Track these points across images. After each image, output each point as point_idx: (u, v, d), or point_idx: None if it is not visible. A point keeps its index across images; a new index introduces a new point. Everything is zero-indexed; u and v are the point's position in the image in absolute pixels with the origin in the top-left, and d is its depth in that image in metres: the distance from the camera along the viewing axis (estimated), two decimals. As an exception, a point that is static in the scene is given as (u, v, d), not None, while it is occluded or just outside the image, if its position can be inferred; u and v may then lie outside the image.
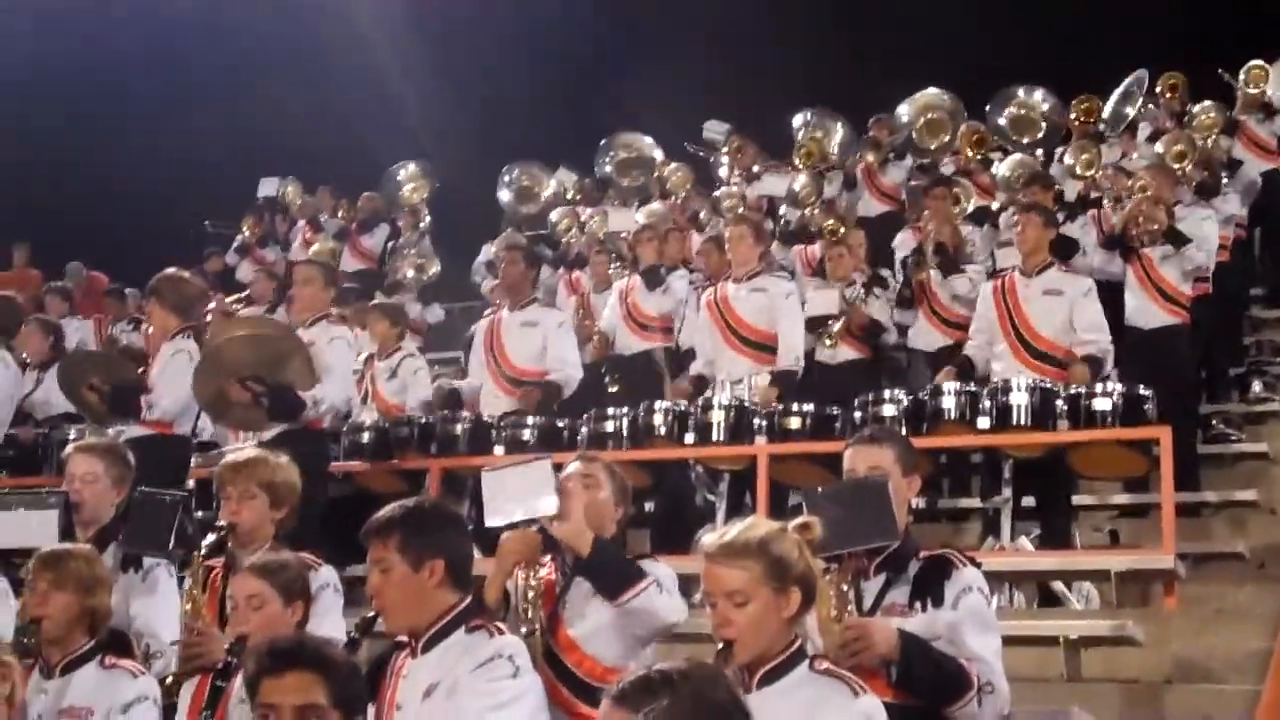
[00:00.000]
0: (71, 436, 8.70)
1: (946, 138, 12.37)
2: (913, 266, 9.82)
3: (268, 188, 15.53)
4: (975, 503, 8.56)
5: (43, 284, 14.52)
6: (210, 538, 4.89)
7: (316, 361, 7.63)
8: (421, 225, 14.08)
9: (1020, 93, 12.38)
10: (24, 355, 10.09)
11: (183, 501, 4.90)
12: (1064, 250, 9.79)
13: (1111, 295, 9.17)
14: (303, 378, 7.54)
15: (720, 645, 3.48)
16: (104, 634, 4.62)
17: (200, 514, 7.17)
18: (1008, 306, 8.17)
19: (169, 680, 4.56)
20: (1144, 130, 12.44)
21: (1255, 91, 11.73)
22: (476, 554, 7.95)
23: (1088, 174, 10.93)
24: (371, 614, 4.01)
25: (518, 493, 4.55)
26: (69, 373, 8.30)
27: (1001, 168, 11.58)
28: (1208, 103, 11.68)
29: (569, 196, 13.97)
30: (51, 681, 4.48)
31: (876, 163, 12.38)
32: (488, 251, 12.98)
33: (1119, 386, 7.57)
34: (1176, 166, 10.25)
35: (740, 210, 11.39)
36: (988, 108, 12.41)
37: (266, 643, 3.39)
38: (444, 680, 3.77)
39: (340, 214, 14.66)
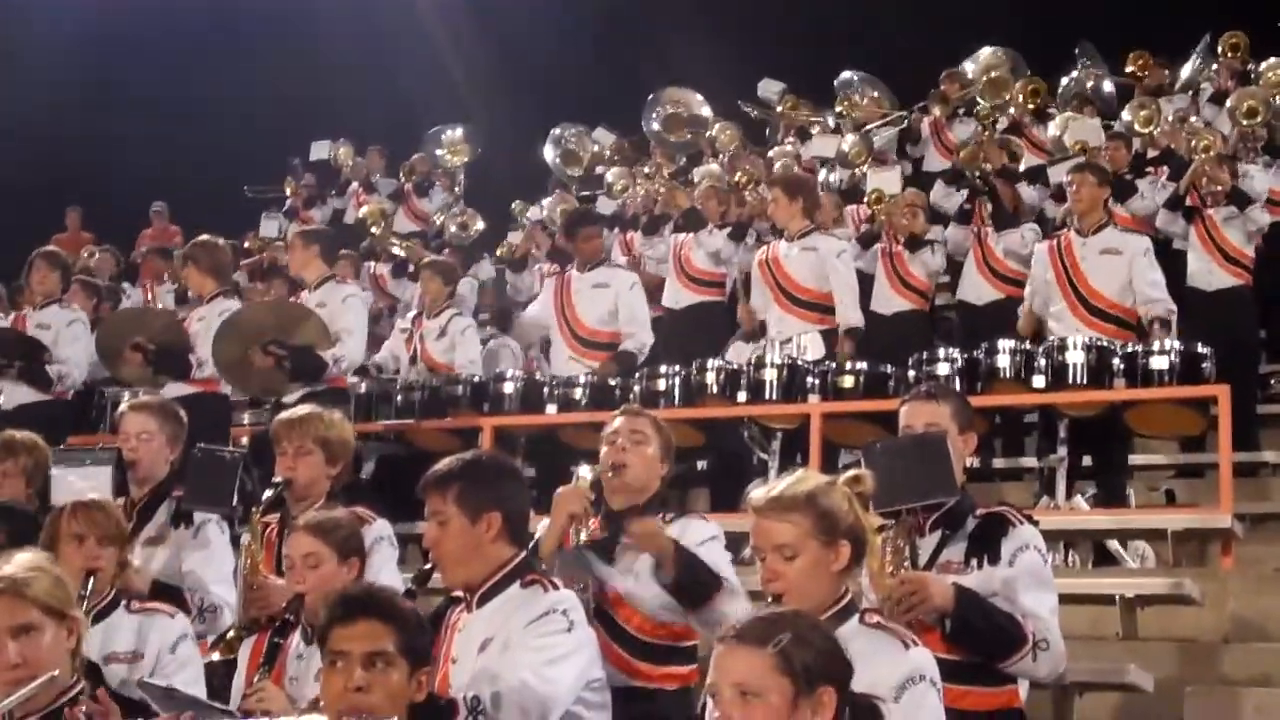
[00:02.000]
0: (126, 397, 8.79)
1: (1009, 95, 12.29)
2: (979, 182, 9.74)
3: (319, 151, 15.59)
4: (1030, 462, 8.52)
5: (94, 247, 14.62)
6: (267, 494, 4.93)
7: (332, 322, 7.75)
8: (456, 189, 14.14)
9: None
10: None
11: (243, 458, 4.93)
12: (1120, 192, 9.68)
13: (1172, 255, 9.08)
14: (319, 339, 7.65)
15: (770, 599, 3.47)
16: (126, 581, 4.66)
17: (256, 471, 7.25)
18: (1065, 266, 8.08)
19: (230, 635, 4.60)
20: (1205, 91, 12.26)
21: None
22: (531, 511, 8.04)
23: (1146, 130, 10.80)
24: (428, 566, 4.02)
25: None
26: (110, 336, 8.39)
27: (1053, 126, 11.47)
28: (1274, 59, 11.48)
29: (607, 157, 13.94)
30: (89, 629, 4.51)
31: (943, 116, 12.26)
32: (537, 212, 13.00)
33: (1176, 345, 7.48)
34: (1247, 123, 10.10)
35: (782, 171, 11.32)
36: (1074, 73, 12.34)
37: (338, 593, 3.48)
38: (499, 635, 3.77)
39: (401, 176, 14.69)
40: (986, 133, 10.95)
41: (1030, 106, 11.96)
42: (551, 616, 3.77)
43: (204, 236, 8.50)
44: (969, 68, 12.69)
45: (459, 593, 3.96)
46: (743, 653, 2.86)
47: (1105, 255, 8.01)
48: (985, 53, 12.73)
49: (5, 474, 5.60)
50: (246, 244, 14.23)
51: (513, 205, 13.51)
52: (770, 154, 12.62)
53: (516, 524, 3.91)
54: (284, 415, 5.22)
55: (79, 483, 5.27)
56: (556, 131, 14.25)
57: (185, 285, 10.21)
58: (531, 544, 4.60)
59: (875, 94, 13.14)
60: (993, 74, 12.50)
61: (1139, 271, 7.94)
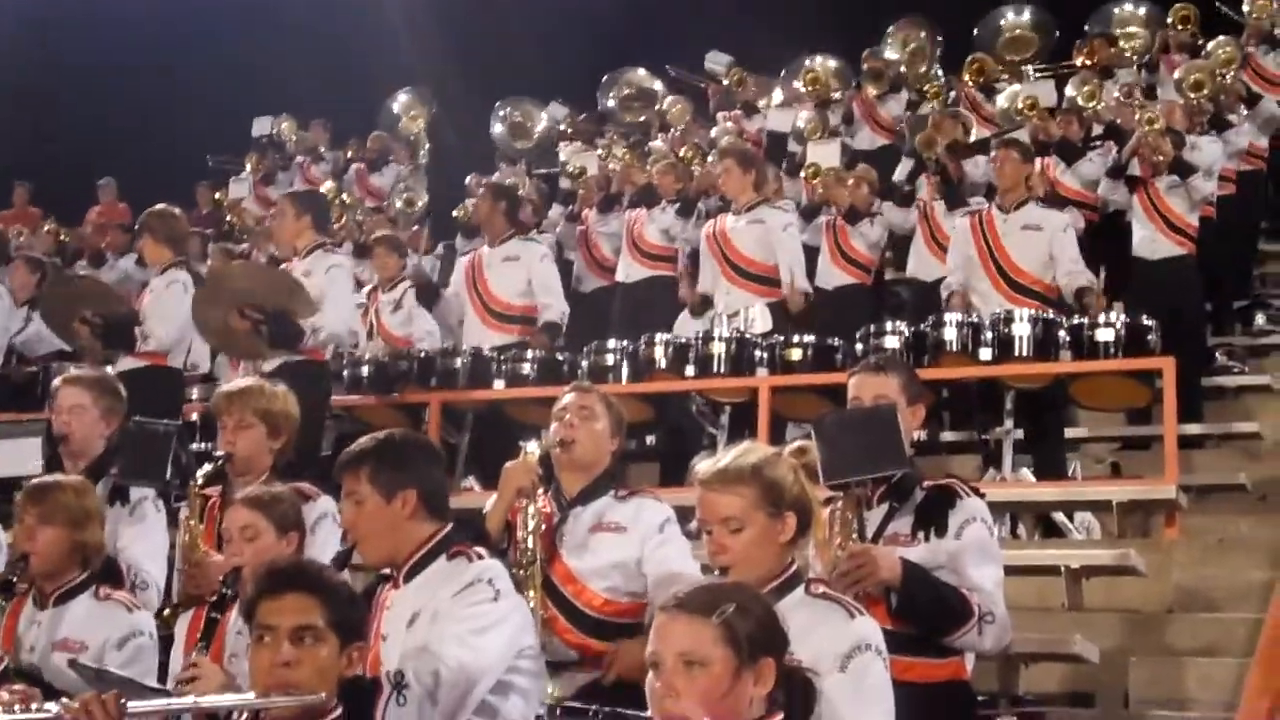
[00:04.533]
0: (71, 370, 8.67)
1: (925, 67, 12.36)
2: (937, 161, 9.79)
3: (261, 126, 15.47)
4: (975, 436, 8.55)
5: (42, 223, 14.46)
6: (207, 467, 4.87)
7: (314, 291, 7.62)
8: (420, 156, 14.07)
9: (1009, 15, 12.39)
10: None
11: (177, 431, 4.86)
12: (1067, 155, 9.76)
13: (1117, 225, 9.13)
14: (302, 307, 7.53)
15: (716, 572, 3.46)
16: (96, 566, 4.55)
17: (205, 446, 7.14)
18: (987, 242, 8.17)
19: (167, 612, 4.53)
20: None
21: (1262, 21, 11.63)
22: (478, 486, 8.03)
23: (1089, 105, 10.86)
24: (349, 547, 4.00)
25: None
26: (56, 304, 8.27)
27: (1001, 98, 11.52)
28: (1223, 37, 11.54)
29: (562, 130, 13.91)
30: (45, 613, 4.43)
31: (875, 95, 12.29)
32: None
33: (1122, 317, 7.53)
34: (1193, 96, 10.16)
35: (728, 142, 11.32)
36: (975, 30, 12.46)
37: (265, 566, 3.40)
38: (426, 608, 3.74)
39: (349, 154, 14.59)
40: (939, 109, 10.99)
41: (971, 84, 12.01)
42: (477, 586, 3.74)
43: (160, 206, 8.36)
44: (890, 49, 12.82)
45: (387, 570, 3.94)
46: (686, 622, 2.87)
47: (1026, 231, 8.10)
48: (900, 27, 12.92)
49: None
50: (217, 196, 14.16)
51: (467, 180, 13.47)
52: (714, 131, 12.61)
53: (433, 500, 3.86)
54: (224, 388, 5.16)
55: (7, 455, 5.16)
56: (501, 106, 14.19)
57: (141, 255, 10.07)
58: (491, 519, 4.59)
59: (830, 62, 13.17)
60: (911, 46, 12.63)
61: (1060, 247, 8.03)
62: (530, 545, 4.50)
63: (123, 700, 3.07)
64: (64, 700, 3.15)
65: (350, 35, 16.05)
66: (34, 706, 3.13)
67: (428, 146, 14.27)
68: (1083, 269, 8.06)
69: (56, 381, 5.63)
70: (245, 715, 3.33)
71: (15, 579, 4.28)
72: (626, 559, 4.59)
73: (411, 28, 16.05)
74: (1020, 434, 7.66)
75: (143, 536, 5.15)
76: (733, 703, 2.86)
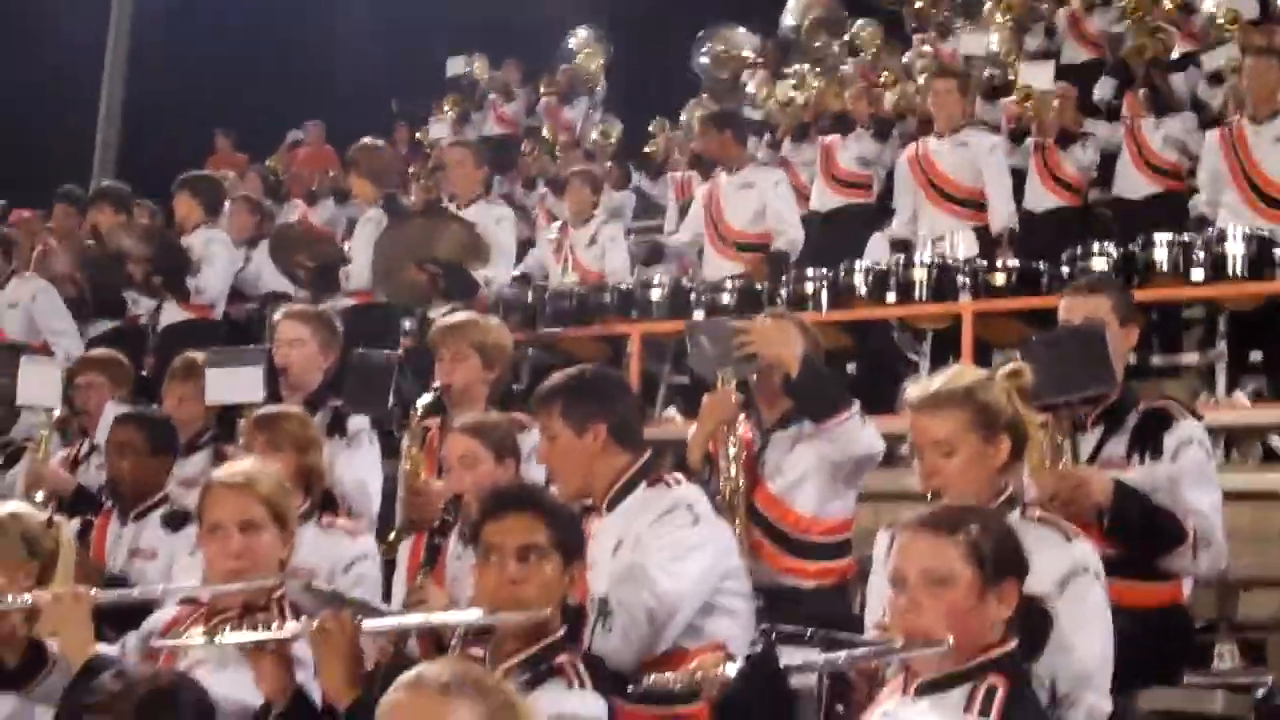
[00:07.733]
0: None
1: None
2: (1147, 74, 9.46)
3: (455, 66, 15.64)
4: (1189, 358, 8.32)
5: (248, 167, 14.89)
6: (426, 397, 5.00)
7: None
8: (597, 94, 14.13)
9: None
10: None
11: (398, 360, 4.99)
12: None
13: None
14: (478, 259, 7.65)
15: (929, 497, 3.45)
16: (318, 493, 4.69)
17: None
18: (1238, 155, 7.84)
19: (392, 537, 4.69)
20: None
21: None
22: (680, 417, 8.09)
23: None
24: (544, 482, 4.09)
25: (718, 351, 4.56)
26: (281, 247, 8.55)
27: (1207, 4, 11.06)
28: None
29: (751, 61, 13.80)
30: None
31: (1082, 7, 11.90)
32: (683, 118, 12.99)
33: (1345, 232, 7.24)
34: None
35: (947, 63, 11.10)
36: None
37: (489, 489, 3.50)
38: (628, 536, 3.84)
39: (540, 89, 14.72)
40: (1139, 23, 10.61)
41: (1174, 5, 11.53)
42: (676, 512, 3.83)
43: (365, 140, 8.59)
44: None
45: (589, 501, 4.01)
46: (931, 539, 2.90)
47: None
48: None
49: (183, 398, 5.63)
50: (417, 136, 14.42)
51: (650, 126, 13.47)
52: (906, 57, 12.37)
53: (623, 431, 3.96)
54: (442, 321, 5.28)
55: (233, 382, 5.33)
56: (705, 45, 14.11)
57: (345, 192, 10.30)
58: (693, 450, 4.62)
59: None
60: None
61: None
62: (733, 474, 4.54)
63: (358, 619, 3.20)
64: (304, 619, 3.30)
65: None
66: (274, 626, 3.28)
67: (603, 84, 14.28)
68: None
69: (277, 315, 5.84)
70: (471, 634, 3.45)
71: None
72: (812, 466, 4.54)
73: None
74: (1252, 356, 7.42)
75: (358, 466, 5.29)
76: (975, 622, 2.88)
